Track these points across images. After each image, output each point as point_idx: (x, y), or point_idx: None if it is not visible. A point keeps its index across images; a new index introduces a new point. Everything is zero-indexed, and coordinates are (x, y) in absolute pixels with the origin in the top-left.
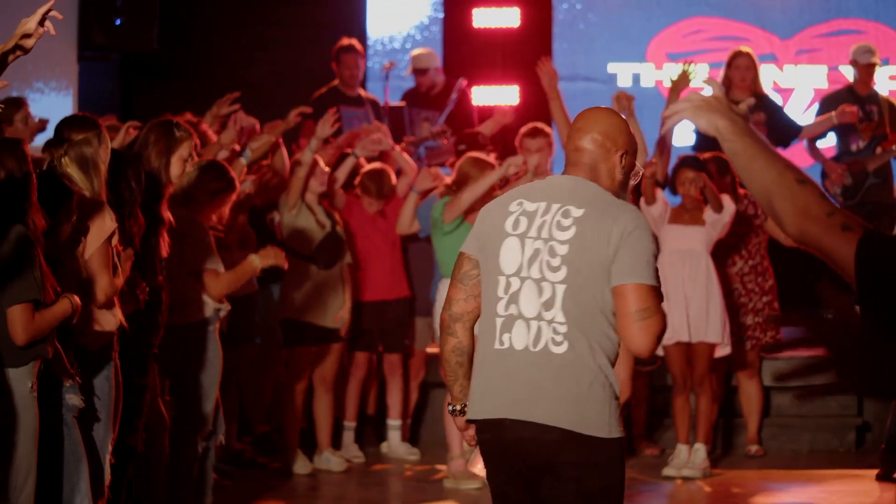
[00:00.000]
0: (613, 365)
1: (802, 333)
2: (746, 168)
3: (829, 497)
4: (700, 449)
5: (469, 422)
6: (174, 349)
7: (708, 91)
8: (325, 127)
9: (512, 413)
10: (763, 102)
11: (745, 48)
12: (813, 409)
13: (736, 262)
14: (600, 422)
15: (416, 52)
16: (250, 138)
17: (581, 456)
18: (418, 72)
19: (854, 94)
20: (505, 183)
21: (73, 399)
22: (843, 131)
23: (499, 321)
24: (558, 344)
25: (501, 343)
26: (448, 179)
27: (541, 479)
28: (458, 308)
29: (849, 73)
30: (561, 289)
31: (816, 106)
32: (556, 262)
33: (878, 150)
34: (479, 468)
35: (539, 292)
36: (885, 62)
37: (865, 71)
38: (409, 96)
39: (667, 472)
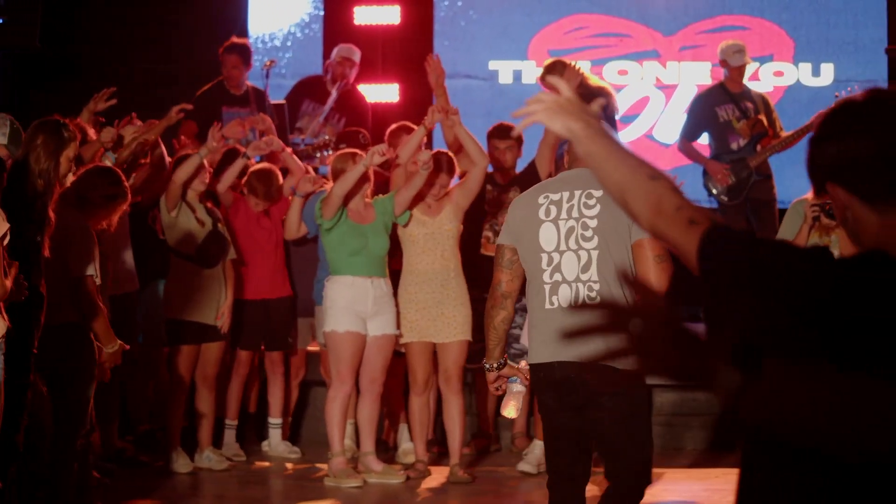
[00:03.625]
0: None
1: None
2: (601, 168)
3: (712, 495)
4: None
5: (530, 365)
6: (52, 349)
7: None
8: (214, 138)
9: (560, 357)
10: None
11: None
12: (696, 407)
13: None
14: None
15: (347, 45)
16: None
17: (615, 386)
18: (349, 63)
19: (727, 93)
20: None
21: None
22: (721, 130)
23: (546, 287)
24: (593, 299)
25: (551, 304)
26: (330, 183)
27: (586, 405)
28: (507, 287)
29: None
30: (595, 254)
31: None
32: (588, 234)
33: (759, 147)
34: (510, 410)
35: (577, 260)
36: (770, 58)
37: (738, 71)
38: (307, 86)
39: (522, 467)
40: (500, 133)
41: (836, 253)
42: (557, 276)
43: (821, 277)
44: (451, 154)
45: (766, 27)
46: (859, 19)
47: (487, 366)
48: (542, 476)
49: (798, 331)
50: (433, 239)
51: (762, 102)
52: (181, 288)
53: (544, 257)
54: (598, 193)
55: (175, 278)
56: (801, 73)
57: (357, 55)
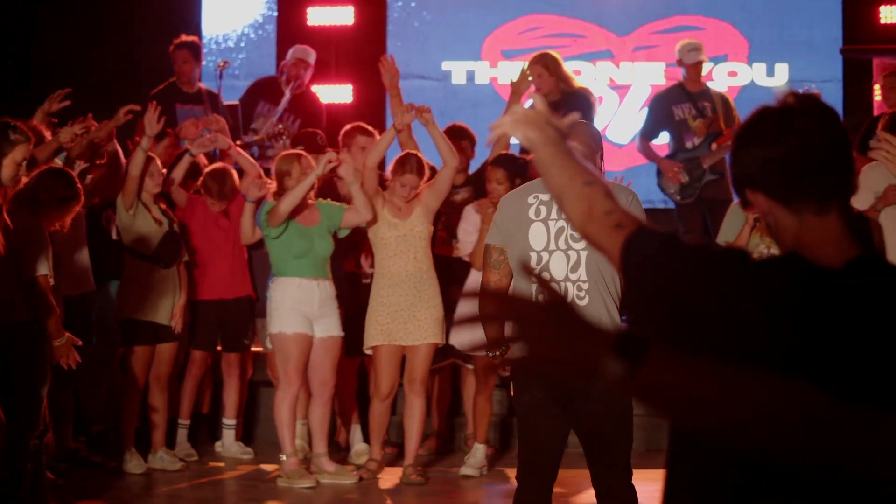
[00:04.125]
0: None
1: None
2: (545, 173)
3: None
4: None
5: (512, 361)
6: (5, 349)
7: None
8: (151, 125)
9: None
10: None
11: None
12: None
13: None
14: None
15: (302, 47)
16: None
17: (602, 385)
18: (304, 64)
19: (685, 92)
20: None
21: None
22: (678, 129)
23: (533, 286)
24: (581, 298)
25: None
26: (274, 185)
27: (573, 399)
28: (496, 287)
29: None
30: (584, 254)
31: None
32: (577, 234)
33: (713, 146)
34: None
35: (567, 259)
36: (724, 58)
37: (694, 69)
38: (262, 87)
39: (465, 471)
40: (454, 134)
41: (776, 254)
42: (546, 276)
43: (733, 279)
44: (420, 155)
45: (721, 27)
46: (814, 20)
47: (491, 354)
48: (487, 477)
49: (703, 330)
50: (405, 241)
51: (721, 102)
52: (136, 288)
53: (533, 256)
54: None
55: (130, 278)
56: (756, 74)
57: (312, 57)
